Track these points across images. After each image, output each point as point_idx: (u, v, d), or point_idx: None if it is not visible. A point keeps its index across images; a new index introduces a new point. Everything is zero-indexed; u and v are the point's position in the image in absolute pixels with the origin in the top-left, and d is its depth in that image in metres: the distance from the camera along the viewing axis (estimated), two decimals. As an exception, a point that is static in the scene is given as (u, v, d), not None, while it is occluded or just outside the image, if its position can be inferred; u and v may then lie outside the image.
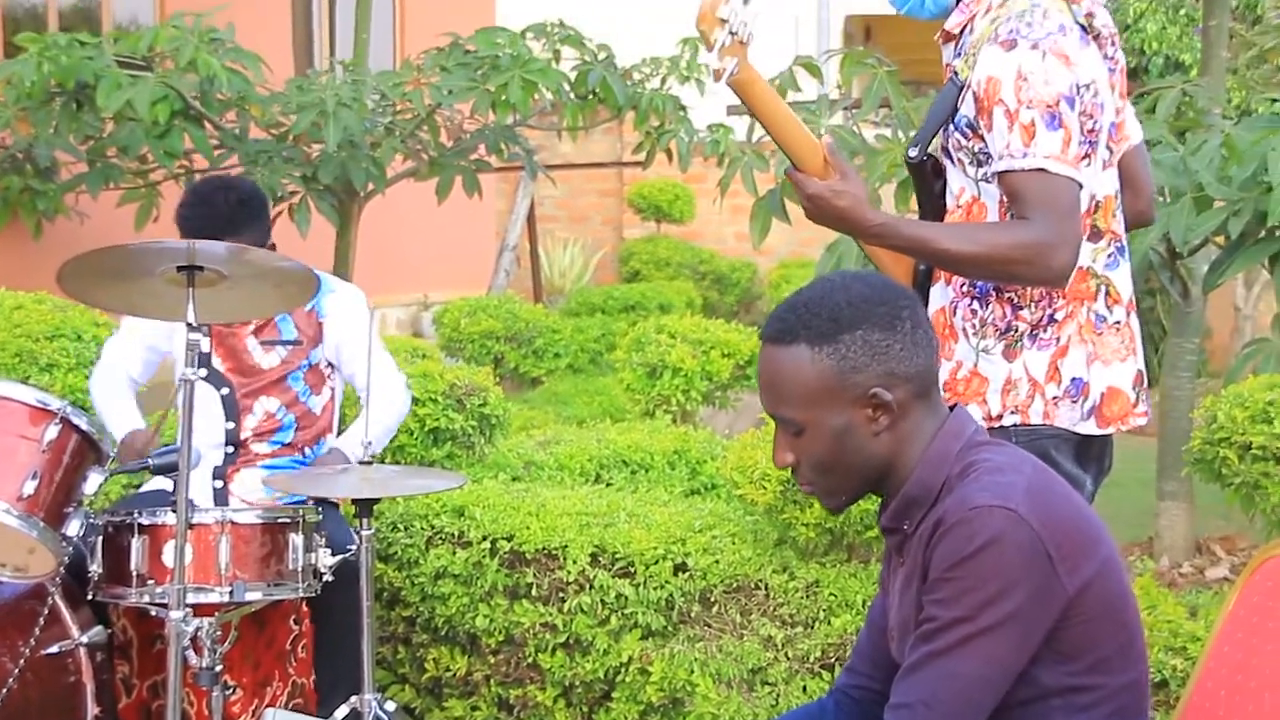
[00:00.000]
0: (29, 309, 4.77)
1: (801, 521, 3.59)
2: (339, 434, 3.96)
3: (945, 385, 2.67)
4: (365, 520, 3.33)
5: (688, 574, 3.76)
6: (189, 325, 2.97)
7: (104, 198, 6.40)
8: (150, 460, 3.36)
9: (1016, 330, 2.63)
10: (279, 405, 3.82)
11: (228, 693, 3.46)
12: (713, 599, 3.74)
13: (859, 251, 4.06)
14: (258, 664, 3.63)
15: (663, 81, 6.88)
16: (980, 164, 2.62)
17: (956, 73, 2.63)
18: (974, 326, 2.67)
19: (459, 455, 4.59)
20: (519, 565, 3.96)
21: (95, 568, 3.29)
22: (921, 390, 2.17)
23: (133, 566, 3.24)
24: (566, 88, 6.47)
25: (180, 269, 2.97)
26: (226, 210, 3.68)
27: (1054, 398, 2.62)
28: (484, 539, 4.01)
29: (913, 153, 2.68)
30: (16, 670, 3.22)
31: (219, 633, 3.18)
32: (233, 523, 3.29)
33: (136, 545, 3.24)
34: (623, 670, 3.79)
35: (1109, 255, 2.67)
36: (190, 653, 3.06)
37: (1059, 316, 2.62)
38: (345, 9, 9.84)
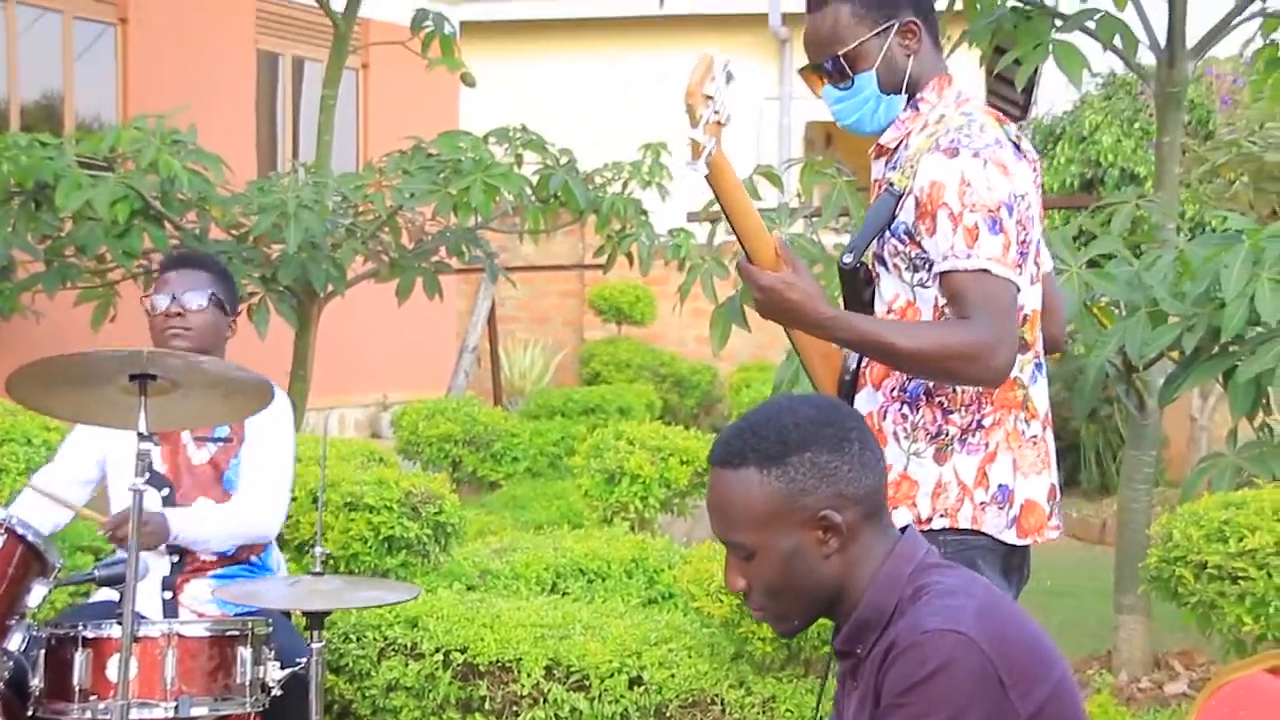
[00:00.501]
0: (-22, 411, 4.73)
1: (758, 635, 3.56)
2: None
3: None
4: (316, 632, 3.28)
5: (643, 688, 3.72)
6: (140, 435, 2.93)
7: (61, 296, 6.36)
8: (96, 572, 3.30)
9: (947, 434, 2.67)
10: (210, 500, 3.75)
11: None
12: (668, 714, 3.69)
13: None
14: (204, 780, 3.54)
15: (624, 186, 6.92)
16: (916, 269, 2.67)
17: (892, 184, 2.69)
18: (905, 430, 2.69)
19: (413, 564, 4.54)
20: (472, 678, 3.90)
21: (37, 682, 3.21)
22: (871, 511, 2.16)
23: (76, 681, 3.17)
24: (529, 191, 6.49)
25: (133, 378, 2.94)
26: (214, 262, 3.79)
27: (981, 503, 2.66)
28: (437, 650, 3.96)
29: (847, 259, 2.71)
30: (-48, 787, 3.14)
31: (163, 749, 3.10)
32: (180, 635, 3.23)
33: (80, 659, 3.17)
34: (576, 787, 3.73)
35: (1031, 369, 2.73)
36: (134, 770, 2.98)
37: (986, 423, 2.67)
38: (309, 111, 9.93)
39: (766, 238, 2.63)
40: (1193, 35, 5.14)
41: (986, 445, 2.66)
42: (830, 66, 2.74)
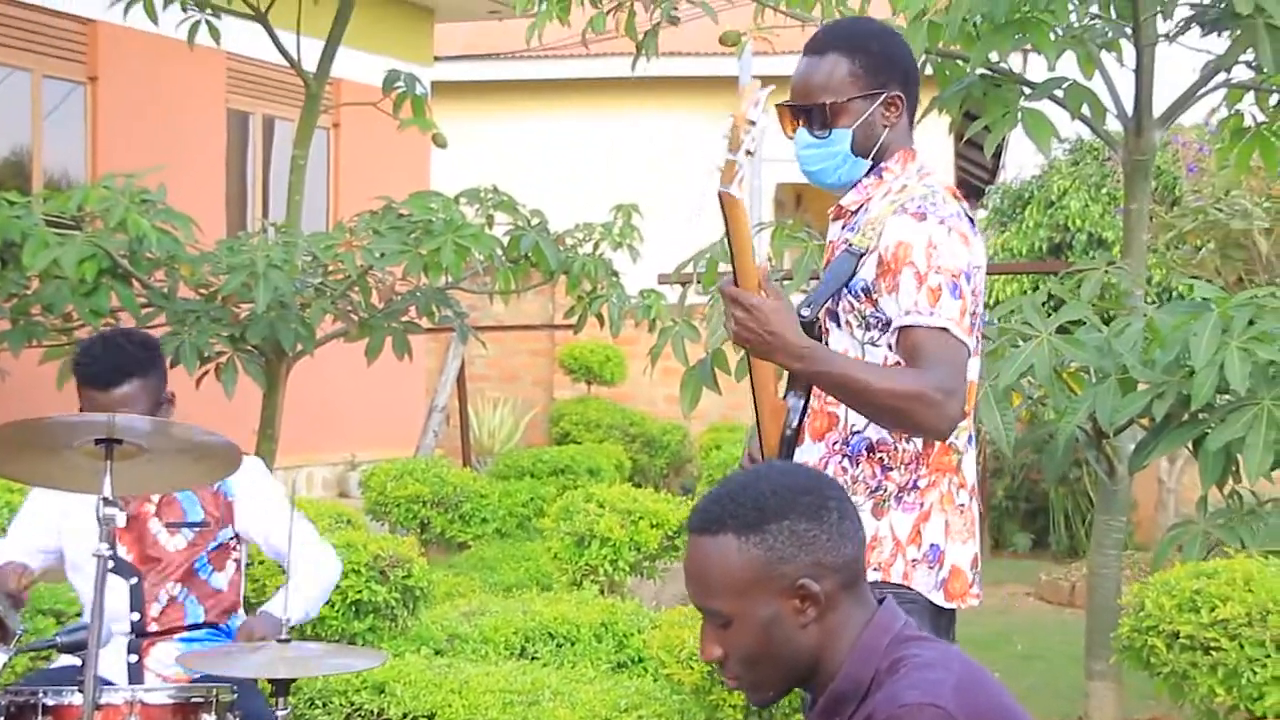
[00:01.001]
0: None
1: (729, 703, 3.53)
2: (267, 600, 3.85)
3: None
4: (281, 699, 3.23)
5: (613, 757, 3.67)
6: (105, 500, 2.89)
7: (26, 354, 6.30)
8: (58, 638, 3.25)
9: (885, 490, 2.75)
10: (181, 589, 3.68)
11: None
12: (638, 783, 3.65)
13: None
14: None
15: (595, 247, 6.92)
16: (868, 327, 2.77)
17: (850, 244, 2.77)
18: (845, 483, 2.74)
19: (381, 628, 4.49)
20: (439, 745, 3.85)
21: (-4, 749, 3.16)
22: (849, 581, 2.15)
23: (36, 748, 3.11)
24: (499, 252, 6.49)
25: (99, 442, 2.90)
26: (133, 351, 3.61)
27: (913, 560, 2.73)
28: (405, 717, 3.91)
29: (805, 312, 2.78)
30: None
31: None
32: (143, 703, 3.17)
33: (40, 727, 3.11)
34: None
35: (966, 438, 2.82)
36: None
37: (922, 484, 2.75)
38: (279, 170, 9.93)
39: (754, 270, 2.68)
40: (1159, 104, 5.20)
41: (921, 505, 2.75)
42: (813, 113, 2.83)
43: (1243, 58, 5.09)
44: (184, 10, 6.92)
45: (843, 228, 2.87)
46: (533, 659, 4.76)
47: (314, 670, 3.53)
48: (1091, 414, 4.36)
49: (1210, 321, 4.06)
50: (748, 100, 2.61)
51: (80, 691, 2.94)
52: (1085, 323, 4.59)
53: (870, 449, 2.76)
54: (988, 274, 2.97)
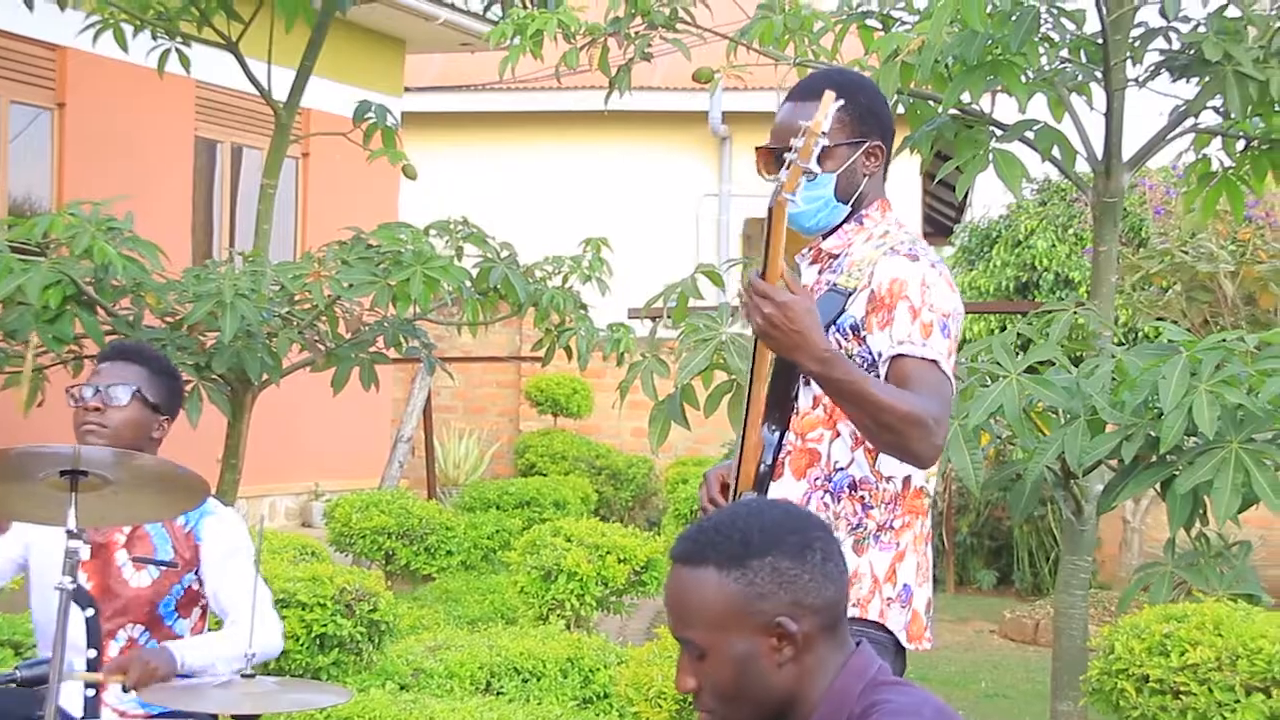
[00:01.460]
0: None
1: (697, 744, 3.50)
2: None
3: None
4: (243, 736, 3.19)
5: (578, 796, 3.64)
6: (69, 532, 2.85)
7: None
8: (18, 672, 3.19)
9: (865, 528, 2.79)
10: (144, 631, 3.57)
11: None
12: (604, 823, 3.62)
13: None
14: None
15: (564, 280, 6.91)
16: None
17: (835, 285, 2.81)
18: (826, 519, 2.76)
19: (346, 662, 4.45)
20: (403, 783, 3.81)
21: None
22: (829, 623, 2.14)
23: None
24: (468, 284, 6.47)
25: (64, 473, 2.87)
26: (153, 357, 3.66)
27: (889, 599, 2.78)
28: (368, 754, 3.86)
29: None
30: None
31: None
32: (102, 738, 3.12)
33: (-3, 762, 3.06)
34: None
35: (933, 484, 2.89)
36: None
37: (898, 524, 2.81)
38: (246, 198, 9.89)
39: (780, 270, 2.67)
40: (1128, 148, 5.24)
41: (898, 545, 2.80)
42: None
43: (1210, 103, 5.13)
44: (154, 38, 6.90)
45: (820, 271, 2.91)
46: (498, 694, 4.72)
47: (277, 706, 3.47)
48: (1060, 454, 4.36)
49: (1179, 364, 4.08)
50: (824, 112, 2.60)
51: (39, 727, 2.88)
52: (1054, 363, 4.60)
53: (853, 486, 2.80)
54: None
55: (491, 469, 12.77)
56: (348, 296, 6.23)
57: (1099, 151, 5.22)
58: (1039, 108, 5.14)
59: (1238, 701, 3.49)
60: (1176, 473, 4.11)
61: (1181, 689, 3.48)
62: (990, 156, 5.03)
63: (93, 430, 3.53)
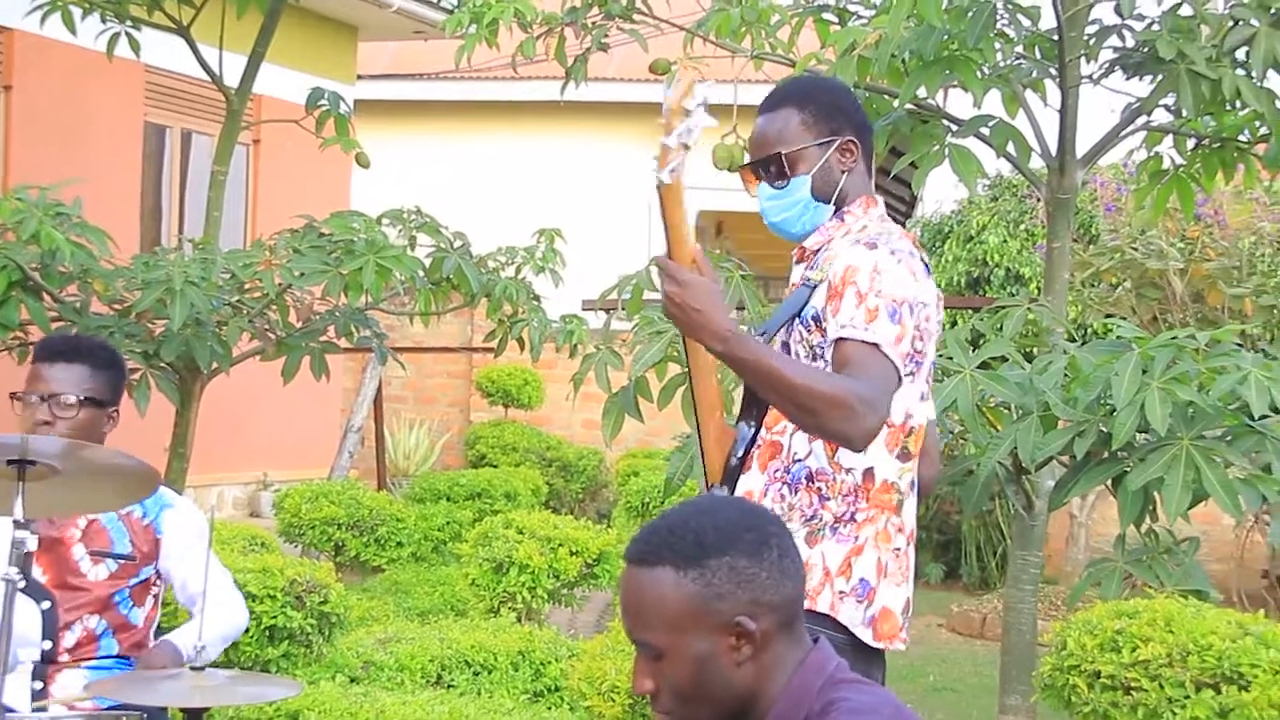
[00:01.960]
0: None
1: (650, 738, 3.49)
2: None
3: None
4: (192, 730, 3.15)
5: (531, 790, 3.63)
6: (16, 523, 2.81)
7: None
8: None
9: (821, 519, 2.78)
10: (100, 621, 3.57)
11: None
12: (556, 817, 3.61)
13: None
14: None
15: (517, 270, 6.89)
16: (816, 357, 2.82)
17: (808, 279, 2.83)
18: (782, 510, 2.78)
19: (296, 654, 4.41)
20: (354, 777, 3.78)
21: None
22: (786, 620, 2.13)
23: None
24: (421, 274, 6.43)
25: (10, 463, 2.82)
26: (95, 348, 3.62)
27: (841, 592, 2.75)
28: (318, 748, 3.83)
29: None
30: None
31: None
32: (49, 732, 3.08)
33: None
34: None
35: (910, 482, 2.85)
36: None
37: (860, 518, 2.78)
38: (196, 185, 9.79)
39: (690, 252, 2.69)
40: (1081, 145, 5.26)
41: (856, 538, 2.77)
42: (771, 165, 2.90)
43: (1163, 101, 5.17)
44: (103, 21, 6.81)
45: (805, 268, 2.93)
46: (449, 687, 4.70)
47: (227, 699, 3.45)
48: (1013, 450, 4.38)
49: (1131, 362, 4.10)
50: (682, 89, 2.63)
51: (-15, 720, 2.84)
52: (1007, 359, 4.62)
53: (810, 478, 2.79)
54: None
55: (442, 460, 12.72)
56: (299, 285, 6.18)
57: (1053, 148, 5.24)
58: (993, 104, 5.16)
59: (1188, 697, 3.52)
60: (1128, 469, 4.13)
61: (1133, 685, 3.50)
62: (946, 152, 5.04)
63: None
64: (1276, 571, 9.31)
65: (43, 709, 3.48)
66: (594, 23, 5.88)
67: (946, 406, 4.34)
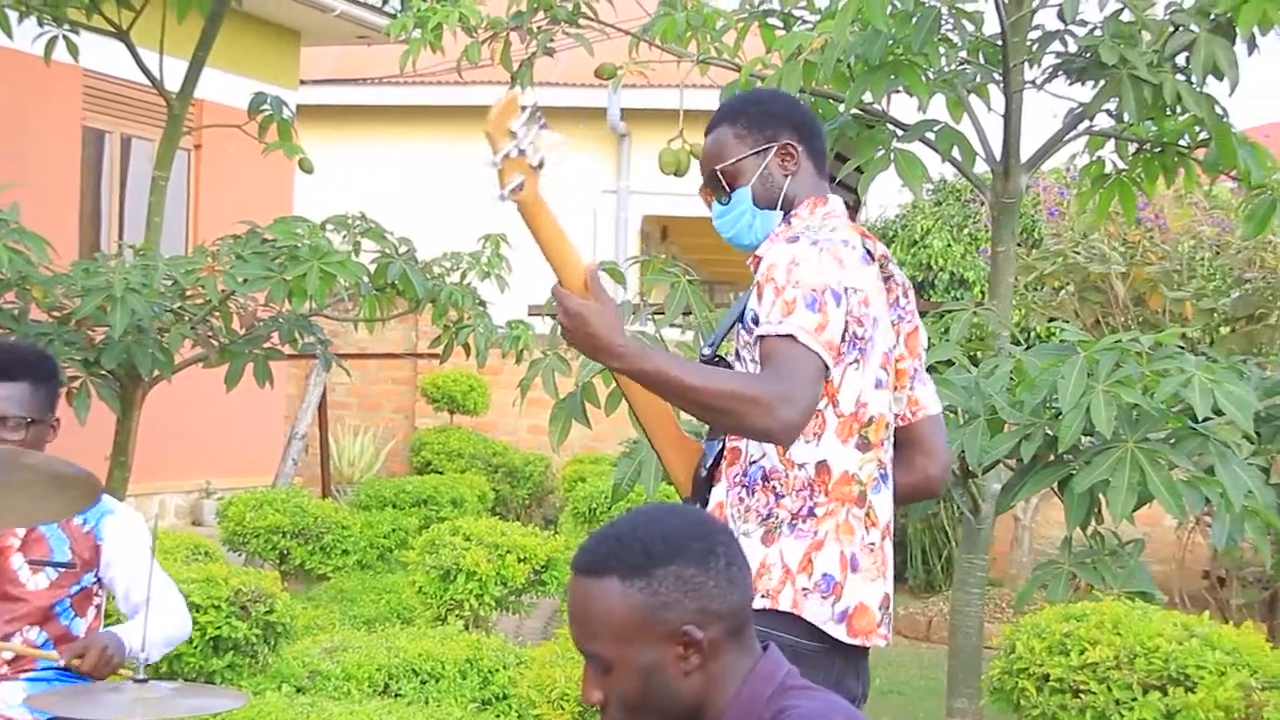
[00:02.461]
0: None
1: (600, 746, 3.48)
2: None
3: None
4: (136, 742, 3.10)
5: (480, 800, 3.60)
6: (-47, 534, 2.76)
7: None
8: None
9: (777, 518, 2.74)
10: (40, 633, 3.51)
11: None
12: (505, 827, 3.58)
13: (658, 462, 4.03)
14: None
15: (463, 276, 6.85)
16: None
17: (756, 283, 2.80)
18: (739, 512, 2.77)
19: (241, 665, 4.37)
20: (300, 789, 3.74)
21: None
22: (734, 629, 2.12)
23: None
24: (365, 280, 6.38)
25: (-52, 473, 2.77)
26: (27, 356, 3.55)
27: (804, 589, 2.70)
28: (264, 759, 3.79)
29: (706, 351, 2.84)
30: None
31: None
32: (-13, 747, 3.02)
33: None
34: None
35: (875, 478, 2.80)
36: None
37: (819, 512, 2.74)
38: (136, 190, 9.68)
39: (579, 268, 2.66)
40: (1025, 149, 5.30)
41: (815, 533, 2.73)
42: (712, 181, 2.92)
43: (1105, 106, 5.21)
44: (40, 25, 6.73)
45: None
46: (396, 697, 4.66)
47: (171, 712, 3.38)
48: (960, 453, 4.40)
49: (1077, 365, 4.13)
50: (501, 108, 2.63)
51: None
52: (954, 363, 4.64)
53: (765, 477, 2.76)
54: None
55: (387, 467, 12.64)
56: (242, 291, 6.12)
57: (997, 153, 5.27)
58: (938, 109, 5.18)
59: (1135, 700, 3.54)
60: (1074, 472, 4.16)
61: (1081, 688, 3.52)
62: (892, 156, 5.06)
63: None
64: (1218, 572, 9.41)
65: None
66: (539, 27, 5.86)
67: (893, 411, 4.35)
